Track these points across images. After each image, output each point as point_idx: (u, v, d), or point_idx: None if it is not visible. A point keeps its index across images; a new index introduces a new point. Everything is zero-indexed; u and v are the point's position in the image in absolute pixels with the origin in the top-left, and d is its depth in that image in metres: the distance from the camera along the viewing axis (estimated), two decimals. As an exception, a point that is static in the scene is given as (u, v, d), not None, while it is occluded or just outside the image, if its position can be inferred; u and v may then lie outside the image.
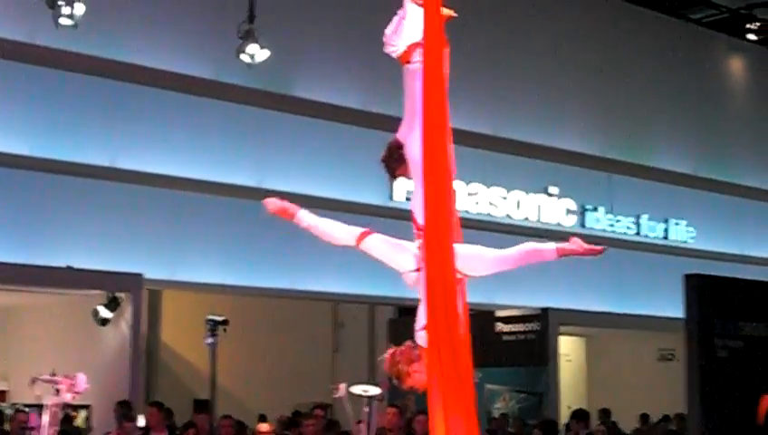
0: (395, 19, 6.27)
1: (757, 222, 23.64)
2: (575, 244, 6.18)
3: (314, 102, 17.23)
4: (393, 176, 6.33)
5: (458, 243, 6.11)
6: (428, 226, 5.88)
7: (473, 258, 6.09)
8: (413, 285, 6.11)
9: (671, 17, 22.74)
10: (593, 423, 16.77)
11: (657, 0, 22.17)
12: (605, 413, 18.44)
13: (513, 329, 18.44)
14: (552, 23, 20.77)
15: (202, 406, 14.41)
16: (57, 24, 14.44)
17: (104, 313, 14.61)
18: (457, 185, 18.80)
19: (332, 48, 17.67)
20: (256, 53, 16.00)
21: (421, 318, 6.02)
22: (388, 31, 6.25)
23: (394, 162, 6.28)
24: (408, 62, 6.15)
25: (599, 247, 6.19)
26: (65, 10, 14.35)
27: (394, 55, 6.23)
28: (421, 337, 6.03)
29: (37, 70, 15.10)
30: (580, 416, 15.11)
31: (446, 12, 6.47)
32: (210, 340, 10.10)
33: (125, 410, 13.05)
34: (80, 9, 14.41)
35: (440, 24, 5.99)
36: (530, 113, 20.03)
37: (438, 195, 5.85)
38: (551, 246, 6.14)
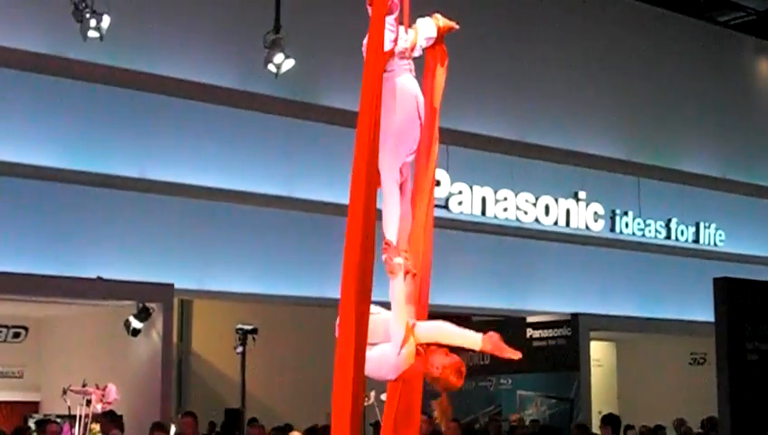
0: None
1: (788, 224, 23.54)
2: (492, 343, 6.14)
3: (341, 111, 17.24)
4: None
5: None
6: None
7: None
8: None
9: (698, 20, 22.67)
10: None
11: (684, 3, 22.10)
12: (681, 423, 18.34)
13: (543, 335, 18.43)
14: (578, 28, 20.74)
15: (252, 420, 14.51)
16: (85, 37, 14.52)
17: (135, 323, 14.66)
18: (486, 192, 18.87)
19: (358, 56, 17.65)
20: (283, 62, 16.05)
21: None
22: (364, 40, 6.40)
23: None
24: (384, 70, 6.28)
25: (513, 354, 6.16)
26: (92, 23, 14.43)
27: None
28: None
29: (66, 82, 15.18)
30: (608, 421, 14.89)
31: (446, 23, 6.61)
32: (240, 349, 10.15)
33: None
34: (106, 22, 14.49)
35: (380, 35, 6.18)
36: (557, 118, 20.01)
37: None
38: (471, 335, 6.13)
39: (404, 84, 6.37)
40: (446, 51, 6.70)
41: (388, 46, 6.23)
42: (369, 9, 6.26)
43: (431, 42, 6.63)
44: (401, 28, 6.40)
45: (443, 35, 6.67)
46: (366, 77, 6.03)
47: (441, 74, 6.63)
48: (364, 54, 6.36)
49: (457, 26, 6.70)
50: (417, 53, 6.58)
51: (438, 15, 6.70)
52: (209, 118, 16.40)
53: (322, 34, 17.39)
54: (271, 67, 16.08)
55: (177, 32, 16.26)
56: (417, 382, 6.37)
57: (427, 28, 6.60)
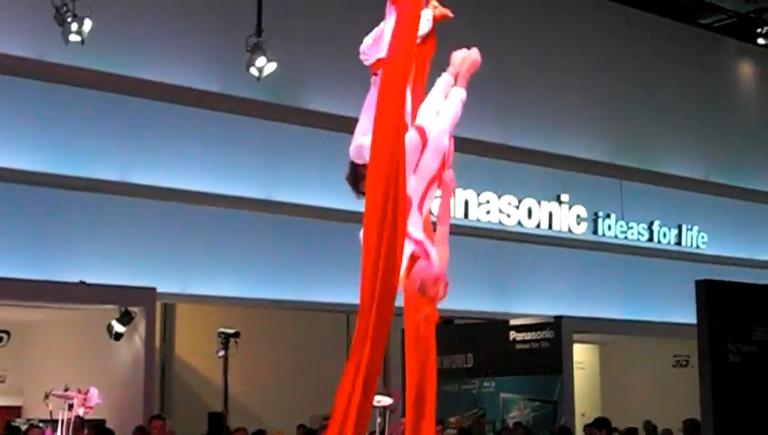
0: (375, 30, 6.36)
1: (770, 227, 23.61)
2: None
3: (323, 114, 17.25)
4: (359, 193, 6.39)
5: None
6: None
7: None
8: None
9: (680, 23, 22.72)
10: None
11: (667, 5, 22.15)
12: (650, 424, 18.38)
13: (526, 337, 18.46)
14: (560, 30, 20.77)
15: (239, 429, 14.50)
16: (66, 41, 14.50)
17: (118, 327, 14.64)
18: (468, 194, 18.89)
19: (340, 59, 17.65)
20: (264, 66, 16.05)
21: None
22: (366, 41, 6.33)
23: (358, 180, 6.40)
24: (375, 74, 6.23)
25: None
26: (74, 27, 14.41)
27: (366, 64, 6.35)
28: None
29: (47, 86, 15.15)
30: (601, 425, 14.79)
31: (441, 11, 6.53)
32: (222, 352, 10.12)
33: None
34: (88, 25, 14.47)
35: (413, 32, 6.02)
36: (540, 121, 20.04)
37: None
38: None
39: None
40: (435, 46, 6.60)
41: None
42: (392, 8, 6.13)
43: (424, 36, 6.49)
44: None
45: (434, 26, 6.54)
46: (390, 79, 5.87)
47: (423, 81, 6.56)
48: (363, 60, 6.28)
49: (452, 15, 6.59)
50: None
51: (435, 2, 6.57)
52: (191, 121, 16.38)
53: (304, 38, 17.39)
54: (253, 71, 16.08)
55: (158, 35, 16.24)
56: (430, 367, 6.36)
57: (427, 21, 6.47)
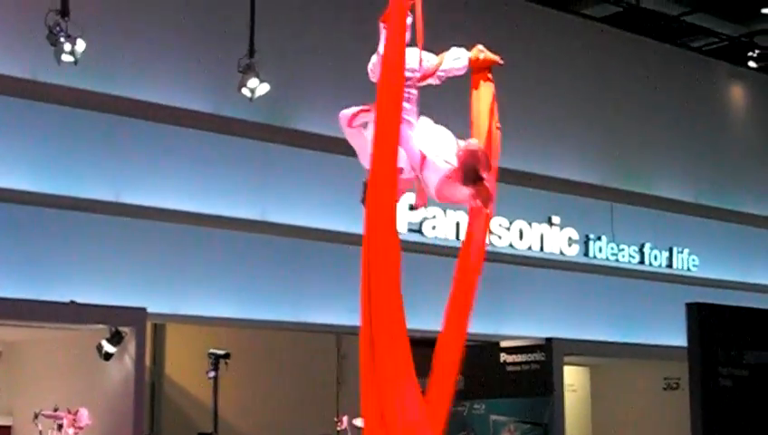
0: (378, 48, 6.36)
1: (760, 249, 23.62)
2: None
3: (316, 135, 17.27)
4: None
5: None
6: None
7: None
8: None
9: (671, 45, 22.79)
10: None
11: (658, 28, 22.22)
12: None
13: (517, 359, 18.41)
14: (550, 52, 20.82)
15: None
16: (59, 61, 14.50)
17: (108, 347, 14.58)
18: (460, 216, 18.91)
19: (333, 80, 17.72)
20: (257, 86, 16.07)
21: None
22: (373, 59, 6.33)
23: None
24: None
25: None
26: (67, 47, 14.42)
27: (374, 80, 6.34)
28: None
29: (40, 106, 15.15)
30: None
31: (488, 56, 6.50)
32: (212, 373, 10.13)
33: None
34: (81, 46, 14.48)
35: (400, 48, 6.05)
36: (530, 143, 20.05)
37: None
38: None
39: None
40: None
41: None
42: (383, 26, 6.18)
43: (457, 73, 6.57)
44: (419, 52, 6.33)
45: (485, 68, 6.62)
46: (382, 101, 5.96)
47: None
48: (373, 78, 6.25)
49: (502, 61, 6.58)
50: (433, 82, 6.53)
51: (481, 47, 6.66)
52: (184, 142, 16.39)
53: (297, 59, 17.42)
54: (245, 91, 16.10)
55: (151, 56, 16.25)
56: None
57: (456, 60, 6.54)
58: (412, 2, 6.18)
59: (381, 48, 6.18)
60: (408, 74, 6.28)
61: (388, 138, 5.91)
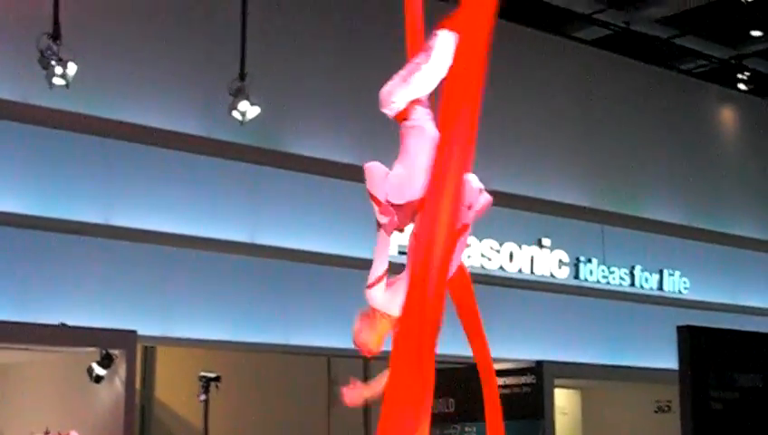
0: (395, 77, 6.23)
1: (751, 271, 23.65)
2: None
3: (305, 158, 17.30)
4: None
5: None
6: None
7: None
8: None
9: (661, 68, 22.86)
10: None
11: (648, 51, 22.29)
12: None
13: (507, 382, 18.37)
14: (541, 74, 20.88)
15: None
16: (50, 85, 14.50)
17: (98, 370, 14.55)
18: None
19: (322, 104, 17.76)
20: (247, 109, 16.10)
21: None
22: (387, 88, 6.19)
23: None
24: (405, 119, 6.15)
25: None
26: (58, 70, 14.43)
27: (391, 114, 6.19)
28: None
29: (31, 129, 15.15)
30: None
31: None
32: (203, 396, 10.12)
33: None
34: (72, 69, 14.49)
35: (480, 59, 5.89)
36: (521, 165, 20.09)
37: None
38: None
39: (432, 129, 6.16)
40: None
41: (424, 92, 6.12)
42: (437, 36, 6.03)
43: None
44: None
45: None
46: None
47: None
48: (385, 103, 6.12)
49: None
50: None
51: None
52: (174, 164, 16.40)
53: (288, 82, 17.45)
54: (236, 114, 16.12)
55: (142, 79, 16.27)
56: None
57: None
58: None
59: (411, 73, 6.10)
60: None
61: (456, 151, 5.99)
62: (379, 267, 6.11)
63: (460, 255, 6.38)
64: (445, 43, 5.99)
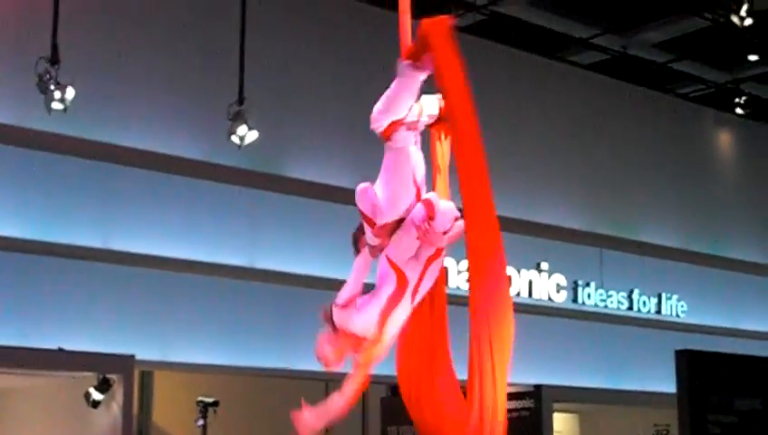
0: (384, 96, 6.31)
1: (749, 295, 23.64)
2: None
3: (304, 182, 17.31)
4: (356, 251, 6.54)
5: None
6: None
7: None
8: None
9: (658, 92, 22.91)
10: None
11: (644, 75, 22.34)
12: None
13: (506, 406, 18.35)
14: (538, 100, 20.91)
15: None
16: (49, 109, 14.50)
17: (96, 395, 14.54)
18: (448, 262, 18.90)
19: (322, 128, 17.79)
20: (246, 133, 16.10)
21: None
22: (377, 106, 6.29)
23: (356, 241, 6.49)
24: (389, 139, 6.22)
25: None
26: (57, 94, 14.44)
27: (378, 132, 6.30)
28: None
29: (29, 153, 15.15)
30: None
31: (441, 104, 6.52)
32: (201, 421, 10.11)
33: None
34: (71, 93, 14.50)
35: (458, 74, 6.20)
36: (518, 189, 20.09)
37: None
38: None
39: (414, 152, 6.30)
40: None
41: (404, 113, 6.19)
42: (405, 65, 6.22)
43: (432, 120, 6.53)
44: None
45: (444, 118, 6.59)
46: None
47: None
48: (373, 122, 6.25)
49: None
50: (420, 128, 6.49)
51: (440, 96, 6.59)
52: (172, 188, 16.40)
53: (286, 106, 17.48)
54: (234, 139, 16.13)
55: (140, 103, 16.29)
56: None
57: (431, 105, 6.48)
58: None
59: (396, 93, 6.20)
60: (425, 119, 6.40)
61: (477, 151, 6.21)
62: (353, 288, 6.25)
63: (433, 277, 6.52)
64: (406, 72, 6.20)
